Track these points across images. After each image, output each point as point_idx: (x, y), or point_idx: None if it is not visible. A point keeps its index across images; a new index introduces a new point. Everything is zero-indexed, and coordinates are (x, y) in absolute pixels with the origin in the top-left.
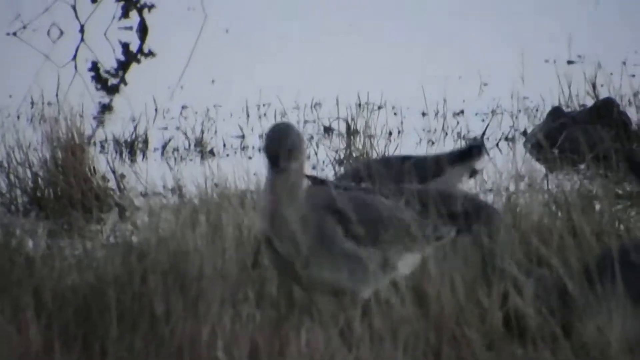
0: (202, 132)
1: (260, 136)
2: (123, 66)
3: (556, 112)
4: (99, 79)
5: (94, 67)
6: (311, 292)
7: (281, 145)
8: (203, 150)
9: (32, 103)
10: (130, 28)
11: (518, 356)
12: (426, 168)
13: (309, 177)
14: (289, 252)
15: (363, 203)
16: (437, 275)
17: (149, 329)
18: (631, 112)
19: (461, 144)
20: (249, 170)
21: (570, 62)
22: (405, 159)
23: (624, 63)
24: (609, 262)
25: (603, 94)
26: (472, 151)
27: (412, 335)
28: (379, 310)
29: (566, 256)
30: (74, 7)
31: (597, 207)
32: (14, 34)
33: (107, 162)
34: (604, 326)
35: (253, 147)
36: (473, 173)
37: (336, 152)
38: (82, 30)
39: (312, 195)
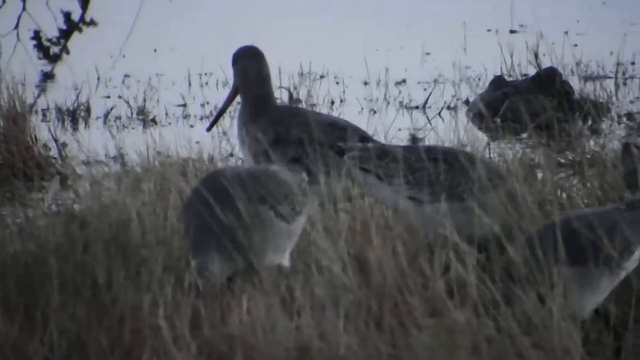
0: (145, 100)
1: (202, 105)
2: (65, 35)
3: (498, 81)
4: (41, 48)
5: (36, 36)
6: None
7: None
8: (145, 118)
9: None
10: None
11: (460, 323)
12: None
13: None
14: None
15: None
16: (379, 244)
17: (91, 298)
18: (573, 82)
19: (403, 113)
20: (191, 138)
21: (512, 32)
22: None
23: (566, 33)
24: (551, 231)
25: (545, 63)
26: None
27: (354, 304)
28: (321, 279)
29: (508, 224)
30: None
31: (539, 175)
32: None
33: (49, 130)
34: (545, 294)
35: (195, 116)
36: (414, 140)
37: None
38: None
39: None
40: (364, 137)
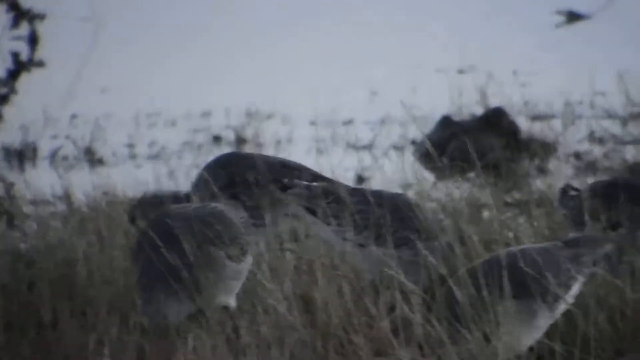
0: (92, 140)
1: (150, 145)
2: (13, 75)
3: (446, 121)
4: None
5: None
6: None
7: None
8: (92, 158)
9: None
10: (22, 38)
11: None
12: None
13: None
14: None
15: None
16: (325, 283)
17: (36, 337)
18: (521, 121)
19: (350, 153)
20: (138, 178)
21: (461, 72)
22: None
23: (515, 72)
24: (496, 268)
25: (493, 103)
26: None
27: (299, 343)
28: (266, 318)
29: (454, 264)
30: None
31: (486, 215)
32: None
33: None
34: (490, 333)
35: (142, 156)
36: (360, 180)
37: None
38: None
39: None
40: (317, 177)
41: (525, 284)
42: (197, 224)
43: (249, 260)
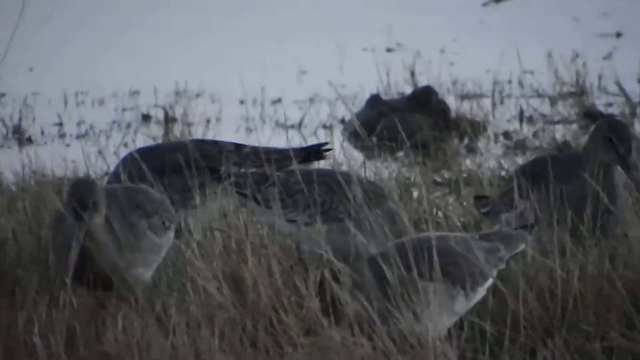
0: (20, 119)
1: (78, 124)
2: None
3: (374, 100)
4: None
5: None
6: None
7: (85, 200)
8: (21, 138)
9: None
10: None
11: (335, 342)
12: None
13: None
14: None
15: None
16: (254, 262)
17: None
18: (450, 100)
19: (279, 132)
20: (67, 157)
21: (389, 50)
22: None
23: (443, 51)
24: (428, 248)
25: (422, 82)
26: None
27: (229, 322)
28: (196, 297)
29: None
30: None
31: (415, 194)
32: None
33: None
34: (420, 313)
35: (71, 135)
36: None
37: (154, 139)
38: None
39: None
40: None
41: (447, 269)
42: (122, 195)
43: (170, 236)
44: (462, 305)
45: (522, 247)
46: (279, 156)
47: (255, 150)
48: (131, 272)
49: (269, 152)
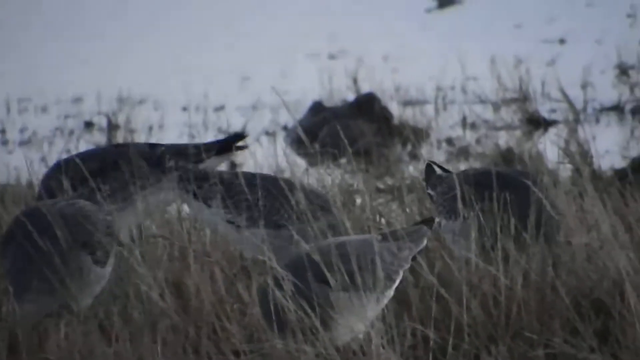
0: None
1: (21, 130)
2: None
3: (317, 106)
4: None
5: None
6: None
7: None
8: None
9: None
10: None
11: (278, 350)
12: (188, 155)
13: None
14: None
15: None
16: (197, 269)
17: None
18: (392, 107)
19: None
20: (10, 164)
21: (332, 57)
22: (152, 145)
23: (386, 58)
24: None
25: (364, 89)
26: (231, 143)
27: (172, 329)
28: (139, 304)
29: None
30: None
31: (358, 201)
32: None
33: None
34: (333, 322)
35: (14, 142)
36: (233, 166)
37: (97, 146)
38: None
39: None
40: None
41: (356, 276)
42: (68, 223)
43: (111, 262)
44: (374, 309)
45: (425, 243)
46: (195, 151)
47: (170, 149)
48: (78, 304)
49: (183, 148)
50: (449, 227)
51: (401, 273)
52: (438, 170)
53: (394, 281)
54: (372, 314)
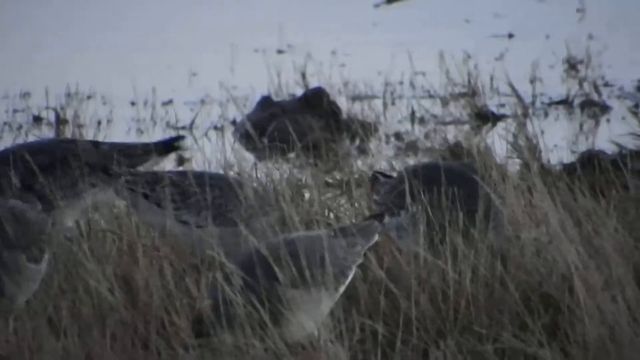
0: None
1: None
2: None
3: (265, 101)
4: None
5: None
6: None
7: None
8: None
9: None
10: None
11: (227, 344)
12: (131, 155)
13: None
14: None
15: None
16: (146, 264)
17: None
18: (341, 102)
19: (170, 133)
20: None
21: (280, 52)
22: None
23: (334, 52)
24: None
25: (313, 83)
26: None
27: (121, 324)
28: (88, 299)
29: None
30: None
31: (307, 196)
32: None
33: None
34: (311, 315)
35: None
36: (181, 161)
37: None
38: None
39: None
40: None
41: (310, 273)
42: (6, 225)
43: (46, 259)
44: (328, 305)
45: (376, 238)
46: (137, 151)
47: (113, 147)
48: (14, 303)
49: (126, 148)
50: (393, 222)
51: (354, 269)
52: (382, 179)
53: (346, 277)
54: (324, 310)
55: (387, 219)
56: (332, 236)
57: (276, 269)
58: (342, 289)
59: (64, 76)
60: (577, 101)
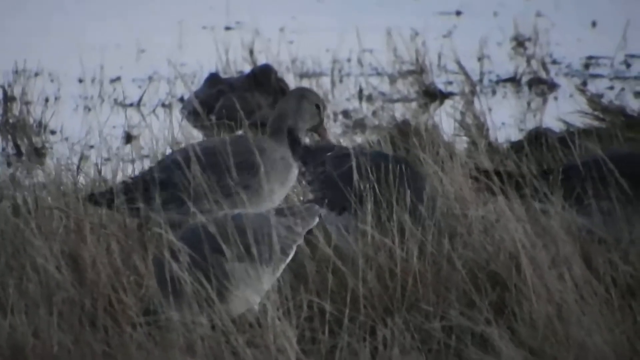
0: None
1: None
2: None
3: (213, 78)
4: None
5: None
6: None
7: None
8: None
9: None
10: None
11: (174, 321)
12: None
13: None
14: None
15: None
16: (93, 241)
17: None
18: (289, 79)
19: (117, 110)
20: None
21: (228, 29)
22: None
23: (282, 30)
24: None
25: (261, 60)
26: None
27: (68, 302)
28: (35, 277)
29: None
30: None
31: None
32: None
33: None
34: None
35: None
36: (129, 138)
37: None
38: None
39: None
40: None
41: (252, 249)
42: None
43: None
44: (269, 282)
45: (317, 220)
46: None
47: None
48: None
49: None
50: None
51: (294, 248)
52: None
53: (287, 255)
54: (266, 286)
55: (325, 212)
56: (275, 214)
57: (221, 243)
58: (282, 266)
59: (11, 53)
60: (524, 79)
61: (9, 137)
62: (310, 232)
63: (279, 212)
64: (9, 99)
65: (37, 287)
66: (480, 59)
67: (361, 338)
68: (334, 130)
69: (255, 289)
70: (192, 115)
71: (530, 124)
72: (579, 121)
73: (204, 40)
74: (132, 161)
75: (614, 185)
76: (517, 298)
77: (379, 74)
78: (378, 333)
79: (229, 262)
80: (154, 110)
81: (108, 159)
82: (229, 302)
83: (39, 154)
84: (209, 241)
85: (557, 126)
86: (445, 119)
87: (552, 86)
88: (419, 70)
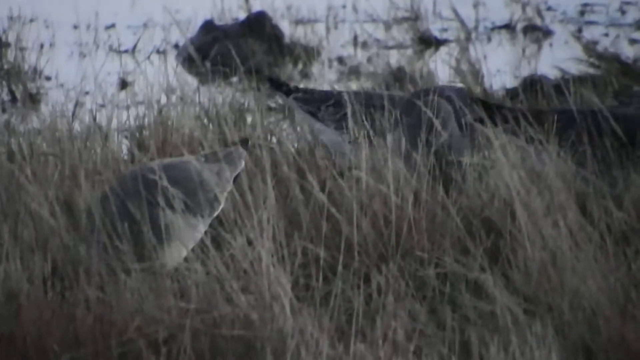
0: None
1: None
2: None
3: (208, 25)
4: None
5: None
6: None
7: None
8: None
9: None
10: None
11: (168, 267)
12: None
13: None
14: None
15: None
16: (88, 188)
17: None
18: (284, 26)
19: (112, 57)
20: None
21: None
22: None
23: None
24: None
25: (255, 7)
26: None
27: (62, 247)
28: (29, 222)
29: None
30: None
31: (249, 119)
32: None
33: None
34: (254, 238)
35: None
36: (124, 84)
37: None
38: None
39: None
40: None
41: (185, 199)
42: None
43: None
44: (202, 231)
45: (242, 165)
46: None
47: None
48: None
49: None
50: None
51: (225, 195)
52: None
53: (220, 203)
54: (198, 236)
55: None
56: (202, 162)
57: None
58: (215, 215)
59: (6, 0)
60: (520, 26)
61: (4, 83)
62: (235, 180)
63: (208, 157)
64: (3, 45)
65: (32, 232)
66: (475, 6)
67: (355, 285)
68: (329, 77)
69: (190, 240)
70: (187, 62)
71: (525, 71)
72: (574, 68)
73: None
74: (127, 107)
75: (609, 133)
76: (512, 245)
77: (374, 20)
78: (372, 280)
79: (163, 214)
80: (148, 57)
81: (103, 105)
82: (165, 250)
83: (33, 100)
84: (145, 190)
85: (552, 73)
86: (440, 66)
87: (547, 33)
88: (414, 17)
